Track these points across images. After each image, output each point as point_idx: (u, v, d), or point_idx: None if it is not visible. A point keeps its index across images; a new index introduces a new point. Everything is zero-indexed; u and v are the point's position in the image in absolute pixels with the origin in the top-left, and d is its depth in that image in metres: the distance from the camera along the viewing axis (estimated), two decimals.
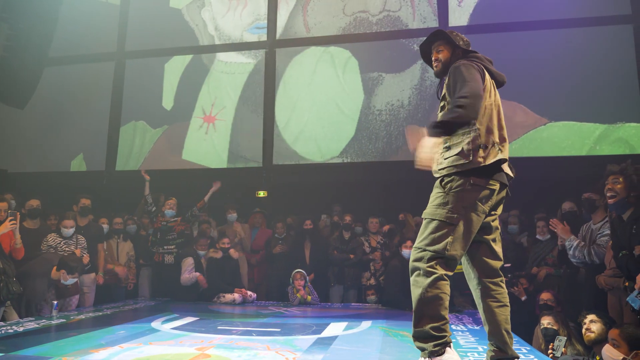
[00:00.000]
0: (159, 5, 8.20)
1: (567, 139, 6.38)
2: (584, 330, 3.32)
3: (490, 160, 2.43)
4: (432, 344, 2.32)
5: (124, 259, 5.98)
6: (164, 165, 7.64)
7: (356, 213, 6.38)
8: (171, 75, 7.99)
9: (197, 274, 5.57)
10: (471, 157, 2.42)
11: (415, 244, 2.47)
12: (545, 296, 4.40)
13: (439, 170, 2.52)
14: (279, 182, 7.23)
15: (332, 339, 3.48)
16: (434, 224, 2.42)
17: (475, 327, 3.93)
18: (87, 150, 7.87)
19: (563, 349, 3.49)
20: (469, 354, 2.94)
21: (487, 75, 2.64)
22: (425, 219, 2.48)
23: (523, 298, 4.85)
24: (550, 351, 3.55)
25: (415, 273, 2.42)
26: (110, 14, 8.21)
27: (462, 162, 2.43)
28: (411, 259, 2.47)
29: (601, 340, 3.13)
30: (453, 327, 3.95)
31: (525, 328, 4.23)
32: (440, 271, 2.36)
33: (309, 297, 5.51)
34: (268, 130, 7.38)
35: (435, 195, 2.52)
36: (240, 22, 7.91)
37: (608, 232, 3.95)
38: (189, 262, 5.58)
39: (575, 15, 6.56)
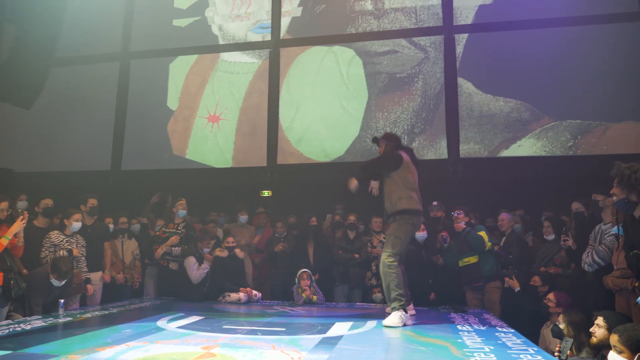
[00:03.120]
0: (163, 5, 8.22)
1: (574, 138, 6.35)
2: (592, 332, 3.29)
3: None
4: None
5: (129, 258, 6.00)
6: (169, 164, 7.65)
7: (360, 212, 6.39)
8: (176, 75, 8.01)
9: (205, 265, 5.57)
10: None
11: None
12: (552, 297, 4.38)
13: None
14: (283, 181, 7.23)
15: (338, 338, 3.47)
16: None
17: (482, 327, 3.92)
18: (93, 150, 7.88)
19: (568, 351, 3.47)
20: (475, 354, 2.93)
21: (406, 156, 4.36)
22: None
23: (517, 289, 4.86)
24: (556, 353, 3.53)
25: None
26: (115, 15, 8.24)
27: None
28: None
29: (605, 346, 3.09)
30: (458, 327, 3.93)
31: (531, 329, 4.22)
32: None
33: (315, 297, 5.50)
34: (272, 130, 7.38)
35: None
36: (244, 22, 7.92)
37: (614, 232, 3.94)
38: (192, 261, 5.56)
39: (582, 13, 6.52)
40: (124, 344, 3.13)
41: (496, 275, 5.21)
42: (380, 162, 4.40)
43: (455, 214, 5.31)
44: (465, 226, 5.25)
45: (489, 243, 5.19)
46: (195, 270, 5.53)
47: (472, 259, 5.24)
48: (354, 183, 4.30)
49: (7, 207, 4.19)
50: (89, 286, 5.12)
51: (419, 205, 4.28)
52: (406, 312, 4.05)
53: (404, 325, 3.95)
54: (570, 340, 3.49)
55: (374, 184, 4.48)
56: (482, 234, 5.19)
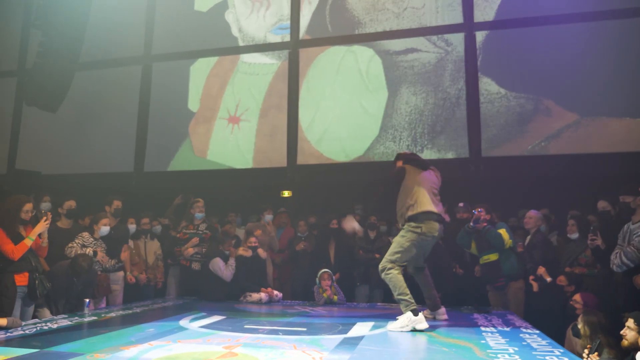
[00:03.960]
0: (184, 8, 8.32)
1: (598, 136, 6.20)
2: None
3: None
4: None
5: (152, 258, 6.08)
6: (190, 166, 7.74)
7: (382, 213, 6.35)
8: (197, 77, 8.09)
9: (232, 261, 5.61)
10: None
11: None
12: (578, 297, 4.28)
13: None
14: (304, 182, 7.23)
15: (359, 339, 3.45)
16: None
17: (505, 329, 3.85)
18: (116, 152, 8.02)
19: (594, 353, 3.39)
20: (499, 356, 2.88)
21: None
22: None
23: (548, 280, 4.82)
24: (585, 356, 3.45)
25: None
26: (137, 19, 8.37)
27: None
28: None
29: (637, 348, 3.02)
30: (482, 328, 3.87)
31: (558, 330, 4.14)
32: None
33: (335, 297, 5.49)
34: (292, 131, 7.39)
35: None
36: (263, 23, 7.96)
37: None
38: (219, 262, 5.61)
39: (604, 7, 6.36)
40: (148, 343, 3.18)
41: (518, 275, 5.12)
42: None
43: (477, 212, 5.22)
44: (486, 224, 5.16)
45: (510, 241, 5.09)
46: (224, 269, 5.58)
47: (492, 257, 5.15)
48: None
49: (32, 209, 4.27)
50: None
51: (428, 207, 4.10)
52: (416, 315, 3.80)
53: (414, 330, 3.75)
54: (598, 341, 3.41)
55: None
56: (502, 231, 5.09)
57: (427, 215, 4.08)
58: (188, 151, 7.84)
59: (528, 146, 6.41)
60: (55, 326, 3.78)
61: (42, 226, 4.19)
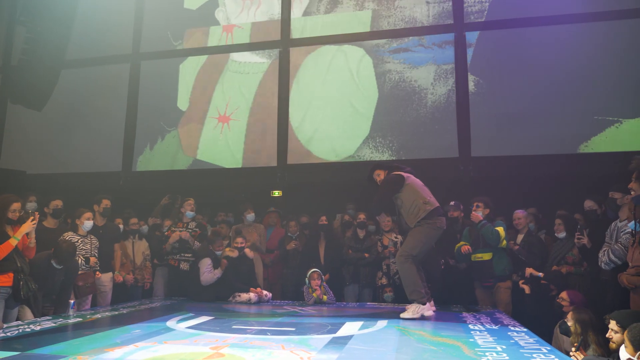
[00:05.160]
0: (173, 6, 8.25)
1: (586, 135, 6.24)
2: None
3: None
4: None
5: (139, 258, 6.02)
6: (179, 165, 7.68)
7: (371, 212, 6.35)
8: (186, 76, 8.03)
9: (218, 271, 5.56)
10: None
11: None
12: (564, 295, 4.30)
13: None
14: (294, 181, 7.20)
15: (348, 338, 3.43)
16: None
17: (494, 327, 3.85)
18: (104, 151, 7.93)
19: (576, 351, 3.41)
20: (487, 354, 2.88)
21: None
22: None
23: (541, 274, 4.89)
24: (572, 353, 3.46)
25: None
26: (125, 17, 8.28)
27: None
28: None
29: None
30: (470, 326, 3.87)
31: (545, 328, 4.15)
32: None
33: (325, 297, 5.47)
34: (282, 130, 7.35)
35: None
36: (254, 21, 7.90)
37: (629, 230, 3.85)
38: (207, 262, 5.57)
39: (595, 9, 6.41)
40: (133, 345, 3.13)
41: (507, 276, 5.13)
42: (385, 190, 4.68)
43: (475, 206, 5.24)
44: (482, 218, 5.15)
45: (505, 241, 5.09)
46: (208, 272, 5.52)
47: (485, 256, 5.15)
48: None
49: (20, 208, 4.20)
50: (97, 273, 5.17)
51: (436, 203, 4.56)
52: (424, 305, 4.28)
53: (422, 317, 4.24)
54: (581, 338, 3.43)
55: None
56: (500, 229, 5.07)
57: (438, 211, 4.53)
58: (177, 150, 7.76)
59: (517, 146, 6.42)
60: (38, 328, 3.71)
61: (28, 226, 4.12)
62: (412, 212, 4.50)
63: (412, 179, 4.66)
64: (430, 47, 7.03)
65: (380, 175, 4.88)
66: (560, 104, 6.36)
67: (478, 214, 5.18)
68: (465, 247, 5.22)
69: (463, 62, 6.80)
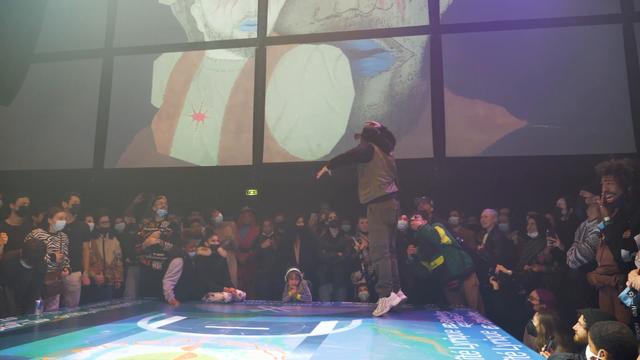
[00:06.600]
0: (148, 1, 8.09)
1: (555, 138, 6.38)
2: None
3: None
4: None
5: (110, 257, 5.89)
6: (153, 163, 7.53)
7: (346, 212, 6.35)
8: (160, 72, 7.88)
9: (173, 296, 5.33)
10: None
11: None
12: (535, 294, 4.39)
13: None
14: (269, 180, 7.15)
15: (322, 337, 3.42)
16: None
17: (467, 325, 3.90)
18: (74, 148, 7.72)
19: (545, 350, 3.47)
20: (460, 352, 2.91)
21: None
22: None
23: (509, 272, 5.01)
24: (542, 352, 3.52)
25: None
26: (98, 10, 8.09)
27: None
28: None
29: (586, 344, 3.10)
30: (444, 325, 3.91)
31: (517, 326, 4.22)
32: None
33: (299, 296, 5.49)
34: (258, 129, 7.30)
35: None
36: (230, 19, 7.83)
37: (597, 230, 3.95)
38: (177, 263, 5.41)
39: (566, 14, 6.56)
40: (102, 345, 3.05)
41: (468, 273, 5.18)
42: (351, 155, 4.64)
43: (413, 217, 5.36)
44: (420, 224, 5.25)
45: (447, 237, 5.18)
46: (174, 274, 5.37)
47: (439, 261, 5.25)
48: (322, 171, 4.62)
49: None
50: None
51: (393, 188, 4.55)
52: (388, 296, 4.38)
53: (391, 307, 4.36)
54: (551, 338, 3.50)
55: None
56: (438, 228, 5.22)
57: (391, 196, 4.54)
58: (150, 148, 7.61)
59: (490, 147, 6.52)
60: (2, 329, 3.58)
61: None
62: (363, 188, 4.56)
63: (380, 156, 4.59)
64: (407, 48, 7.08)
65: (358, 141, 4.93)
66: (527, 108, 6.49)
67: (417, 222, 5.27)
68: (411, 247, 5.40)
69: (438, 64, 6.88)
